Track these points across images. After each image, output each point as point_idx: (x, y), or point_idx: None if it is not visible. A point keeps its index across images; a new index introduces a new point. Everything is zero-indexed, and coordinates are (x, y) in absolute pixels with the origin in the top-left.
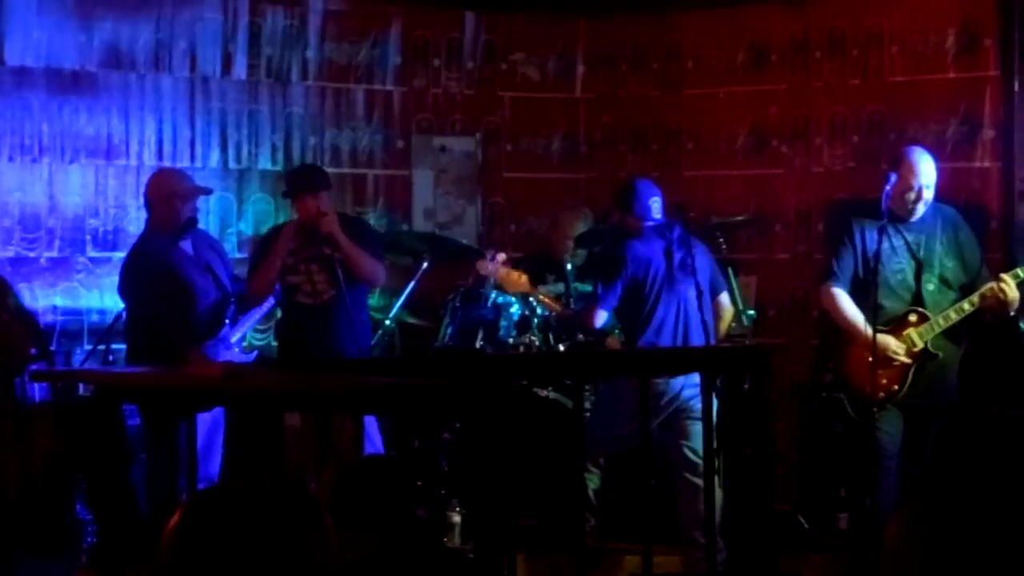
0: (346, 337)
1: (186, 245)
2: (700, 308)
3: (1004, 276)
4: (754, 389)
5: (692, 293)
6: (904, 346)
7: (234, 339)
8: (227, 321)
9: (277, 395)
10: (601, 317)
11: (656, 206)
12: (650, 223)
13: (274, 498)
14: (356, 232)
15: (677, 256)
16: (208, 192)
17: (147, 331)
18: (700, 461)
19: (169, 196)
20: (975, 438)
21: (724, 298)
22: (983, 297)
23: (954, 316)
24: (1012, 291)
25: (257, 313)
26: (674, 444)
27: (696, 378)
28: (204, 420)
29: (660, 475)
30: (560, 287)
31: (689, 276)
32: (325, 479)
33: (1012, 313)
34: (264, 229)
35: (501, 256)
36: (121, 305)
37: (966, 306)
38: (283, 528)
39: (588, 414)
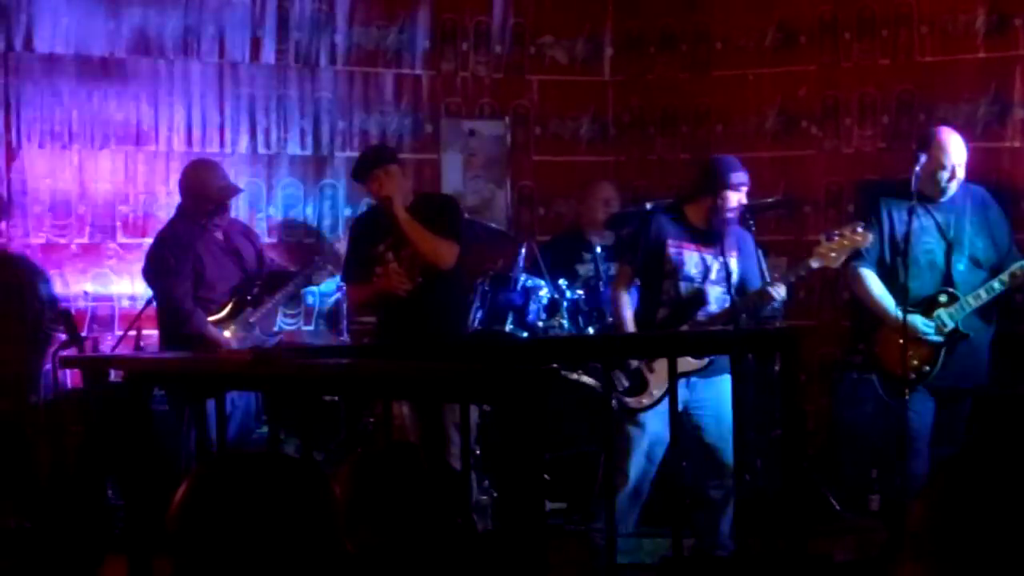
0: (437, 323)
1: (216, 231)
2: None
3: None
4: (785, 371)
5: None
6: (933, 324)
7: (253, 320)
8: (248, 300)
9: (305, 379)
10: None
11: None
12: None
13: (280, 471)
14: (430, 211)
15: None
16: (239, 192)
17: (171, 314)
18: None
19: (198, 194)
20: (1006, 419)
21: None
22: (1013, 276)
23: (984, 296)
24: None
25: (281, 296)
26: None
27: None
28: (238, 407)
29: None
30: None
31: None
32: (345, 467)
33: None
34: (292, 213)
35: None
36: (150, 292)
37: (996, 285)
38: (289, 501)
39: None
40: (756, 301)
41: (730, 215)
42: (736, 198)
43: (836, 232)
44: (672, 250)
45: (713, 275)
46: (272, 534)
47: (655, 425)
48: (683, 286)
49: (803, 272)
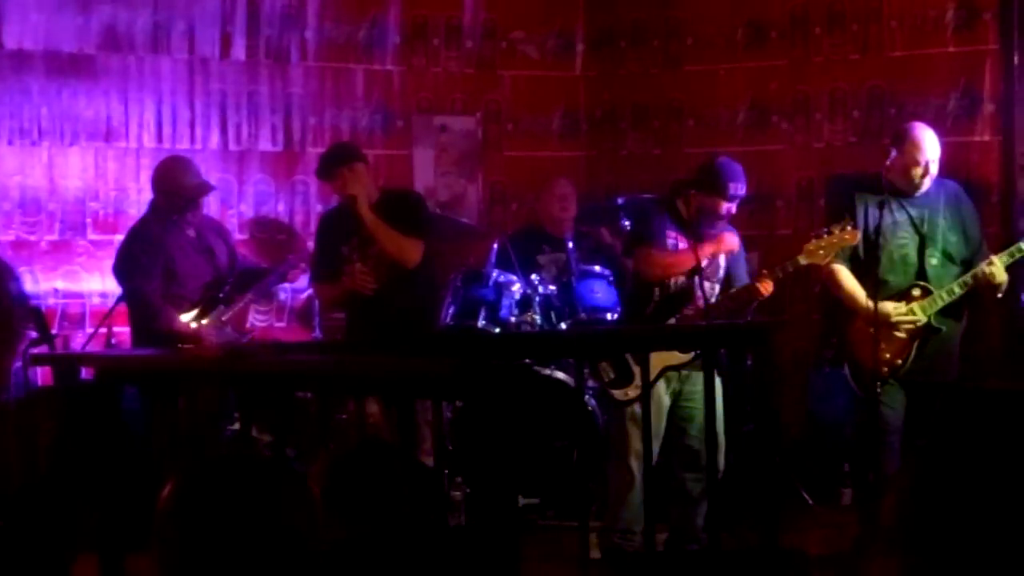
0: (405, 319)
1: (188, 228)
2: None
3: (993, 259)
4: (757, 366)
5: None
6: (906, 310)
7: (225, 317)
8: (220, 297)
9: (278, 375)
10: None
11: None
12: None
13: (260, 471)
14: (396, 208)
15: None
16: (212, 189)
17: (142, 311)
18: None
19: (170, 192)
20: (975, 413)
21: None
22: (975, 277)
23: (957, 291)
24: (1000, 275)
25: (253, 294)
26: None
27: None
28: None
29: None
30: (557, 258)
31: None
32: (319, 464)
33: (1000, 295)
34: (264, 210)
35: None
36: (120, 289)
37: (969, 280)
38: (269, 500)
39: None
40: (744, 297)
41: (717, 221)
42: (727, 208)
43: (825, 230)
44: (670, 243)
45: (703, 270)
46: (256, 533)
47: (652, 418)
48: (673, 280)
49: (791, 268)
